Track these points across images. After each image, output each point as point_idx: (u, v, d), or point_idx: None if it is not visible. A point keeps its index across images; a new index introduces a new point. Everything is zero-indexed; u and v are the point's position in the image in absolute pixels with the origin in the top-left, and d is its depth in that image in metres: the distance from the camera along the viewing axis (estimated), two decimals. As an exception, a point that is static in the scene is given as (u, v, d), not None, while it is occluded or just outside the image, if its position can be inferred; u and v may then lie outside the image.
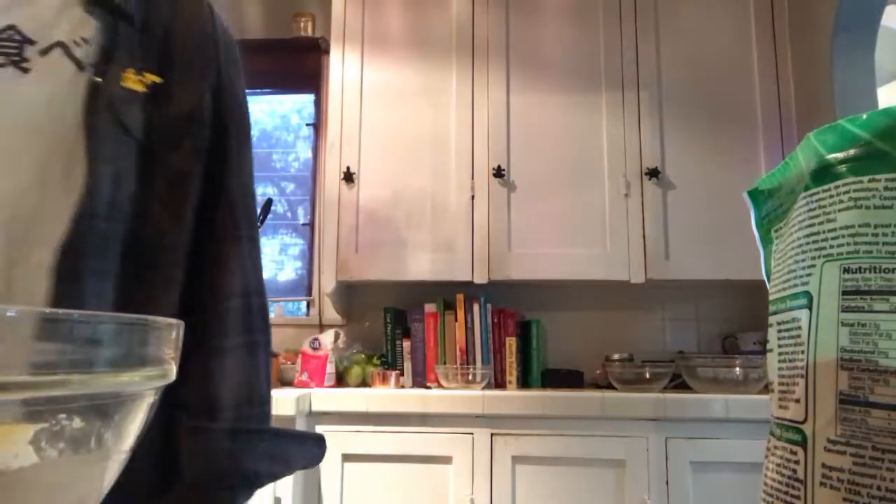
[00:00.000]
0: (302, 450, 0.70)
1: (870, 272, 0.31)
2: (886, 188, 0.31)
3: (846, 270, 0.32)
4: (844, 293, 0.32)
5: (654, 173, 2.02)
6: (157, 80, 0.64)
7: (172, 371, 0.25)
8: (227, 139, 0.70)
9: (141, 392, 0.23)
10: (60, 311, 0.20)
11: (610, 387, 1.94)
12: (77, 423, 0.21)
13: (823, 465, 0.31)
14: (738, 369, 1.81)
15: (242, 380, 0.65)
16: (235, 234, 0.69)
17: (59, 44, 0.60)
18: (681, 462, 1.67)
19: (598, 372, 2.06)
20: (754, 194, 0.41)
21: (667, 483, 1.67)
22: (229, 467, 0.62)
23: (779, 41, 2.09)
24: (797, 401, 0.33)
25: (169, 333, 0.24)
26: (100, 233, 0.58)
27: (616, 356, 2.02)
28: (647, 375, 1.90)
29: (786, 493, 0.33)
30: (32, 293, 0.56)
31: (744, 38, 2.11)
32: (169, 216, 0.63)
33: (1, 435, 0.19)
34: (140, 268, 0.61)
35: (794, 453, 0.33)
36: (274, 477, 0.66)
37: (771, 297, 0.38)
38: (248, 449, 0.64)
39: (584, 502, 1.69)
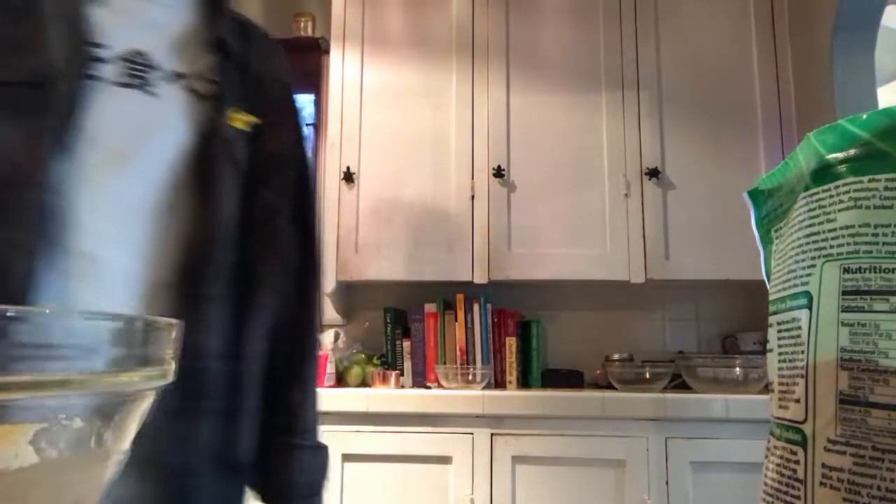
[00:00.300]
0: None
1: (870, 272, 0.31)
2: (886, 188, 0.31)
3: (846, 270, 0.32)
4: (844, 293, 0.32)
5: (654, 173, 2.02)
6: (256, 121, 0.69)
7: (172, 371, 0.25)
8: (307, 180, 0.78)
9: (141, 392, 0.23)
10: (60, 311, 0.20)
11: (610, 387, 1.94)
12: (77, 423, 0.21)
13: (823, 465, 0.31)
14: (738, 369, 1.81)
15: (316, 405, 0.76)
16: (319, 272, 0.77)
17: (180, 74, 0.65)
18: (681, 462, 1.67)
19: (598, 372, 2.06)
20: (754, 194, 0.41)
21: (667, 483, 1.67)
22: (319, 477, 0.73)
23: (779, 41, 2.09)
24: (797, 401, 0.33)
25: (169, 333, 0.24)
26: (216, 259, 0.63)
27: (616, 356, 2.02)
28: (647, 375, 1.90)
29: (786, 493, 0.33)
30: (159, 312, 0.59)
31: (744, 38, 2.11)
32: (261, 247, 0.68)
33: (1, 435, 0.19)
34: (240, 292, 0.65)
35: (794, 453, 0.33)
36: None
37: (771, 297, 0.38)
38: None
39: (584, 502, 1.69)
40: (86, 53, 0.58)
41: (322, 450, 0.75)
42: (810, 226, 0.34)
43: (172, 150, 0.62)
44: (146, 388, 0.23)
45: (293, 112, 0.77)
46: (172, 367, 0.25)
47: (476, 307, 2.05)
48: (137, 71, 0.61)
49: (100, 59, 0.59)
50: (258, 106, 0.70)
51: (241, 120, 0.67)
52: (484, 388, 1.90)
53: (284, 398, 0.71)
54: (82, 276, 0.56)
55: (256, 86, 0.71)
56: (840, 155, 0.34)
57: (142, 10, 0.65)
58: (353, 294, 2.32)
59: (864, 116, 0.33)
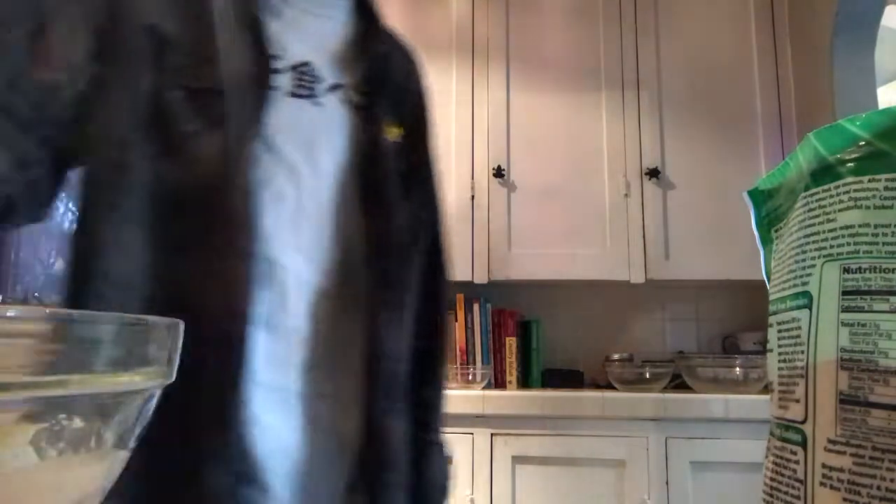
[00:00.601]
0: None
1: (870, 272, 0.31)
2: (886, 188, 0.31)
3: (846, 270, 0.32)
4: (844, 293, 0.32)
5: (654, 173, 2.02)
6: (403, 132, 0.70)
7: (172, 371, 0.25)
8: (438, 190, 0.79)
9: (141, 392, 0.23)
10: (60, 310, 0.20)
11: (610, 387, 1.93)
12: (77, 423, 0.21)
13: (823, 465, 0.31)
14: (738, 369, 1.81)
15: (445, 405, 0.78)
16: (447, 275, 0.78)
17: (340, 85, 0.66)
18: (681, 462, 1.67)
19: (598, 372, 2.06)
20: (754, 194, 0.41)
21: (667, 483, 1.67)
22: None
23: (779, 41, 2.09)
24: (797, 401, 0.33)
25: (169, 334, 0.24)
26: (381, 266, 0.65)
27: (616, 356, 2.02)
28: (647, 375, 1.90)
29: (786, 493, 0.33)
30: (329, 319, 0.61)
31: (744, 38, 2.11)
32: (407, 253, 0.69)
33: (1, 435, 0.19)
34: (397, 296, 0.67)
35: (794, 453, 0.33)
36: None
37: (771, 297, 0.38)
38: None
39: (584, 502, 1.68)
40: (265, 64, 0.60)
41: (446, 450, 0.77)
42: (810, 226, 0.34)
43: (338, 159, 0.64)
44: (146, 387, 0.23)
45: (431, 125, 0.79)
46: (173, 367, 0.25)
47: (476, 307, 2.05)
48: (306, 82, 0.63)
49: (276, 70, 0.61)
50: (403, 118, 0.71)
51: (392, 132, 0.69)
52: (484, 388, 1.90)
53: (422, 395, 0.73)
54: (267, 281, 0.58)
55: (401, 98, 0.73)
56: (840, 155, 0.34)
57: (308, 22, 0.67)
58: (353, 294, 2.32)
59: (864, 116, 0.33)
